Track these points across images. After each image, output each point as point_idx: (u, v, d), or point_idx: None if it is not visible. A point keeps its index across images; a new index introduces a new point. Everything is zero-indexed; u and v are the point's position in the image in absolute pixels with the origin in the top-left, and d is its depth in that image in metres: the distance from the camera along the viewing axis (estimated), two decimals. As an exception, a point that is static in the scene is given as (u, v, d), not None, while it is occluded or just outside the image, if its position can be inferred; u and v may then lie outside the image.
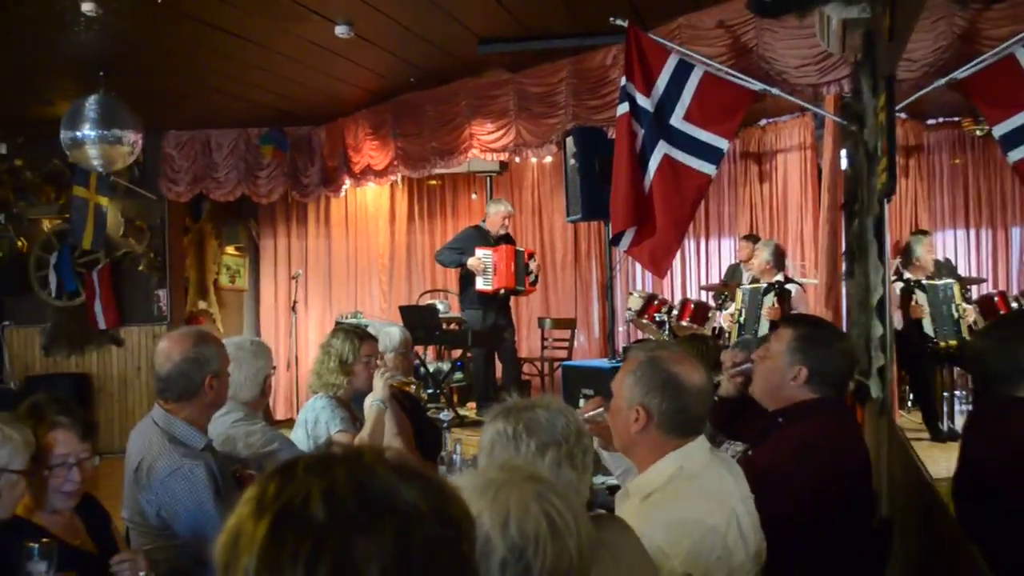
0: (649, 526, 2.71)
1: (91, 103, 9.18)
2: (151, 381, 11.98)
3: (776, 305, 8.67)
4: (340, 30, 8.12)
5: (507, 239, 10.52)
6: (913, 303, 8.43)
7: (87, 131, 9.15)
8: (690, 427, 2.97)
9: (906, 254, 8.89)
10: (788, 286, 8.86)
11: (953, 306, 8.42)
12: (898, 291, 8.32)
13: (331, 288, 13.63)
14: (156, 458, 3.81)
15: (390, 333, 5.85)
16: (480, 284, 10.16)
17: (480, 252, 10.17)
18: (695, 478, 2.87)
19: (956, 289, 8.47)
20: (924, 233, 9.46)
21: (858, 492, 3.66)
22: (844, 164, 6.91)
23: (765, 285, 8.88)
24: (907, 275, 8.67)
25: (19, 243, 12.42)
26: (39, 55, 8.91)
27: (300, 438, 5.08)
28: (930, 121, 12.00)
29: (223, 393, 4.14)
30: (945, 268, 9.38)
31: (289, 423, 7.72)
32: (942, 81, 6.10)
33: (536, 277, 10.68)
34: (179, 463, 3.79)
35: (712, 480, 2.91)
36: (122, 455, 12.55)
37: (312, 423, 5.11)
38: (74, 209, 11.62)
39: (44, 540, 2.98)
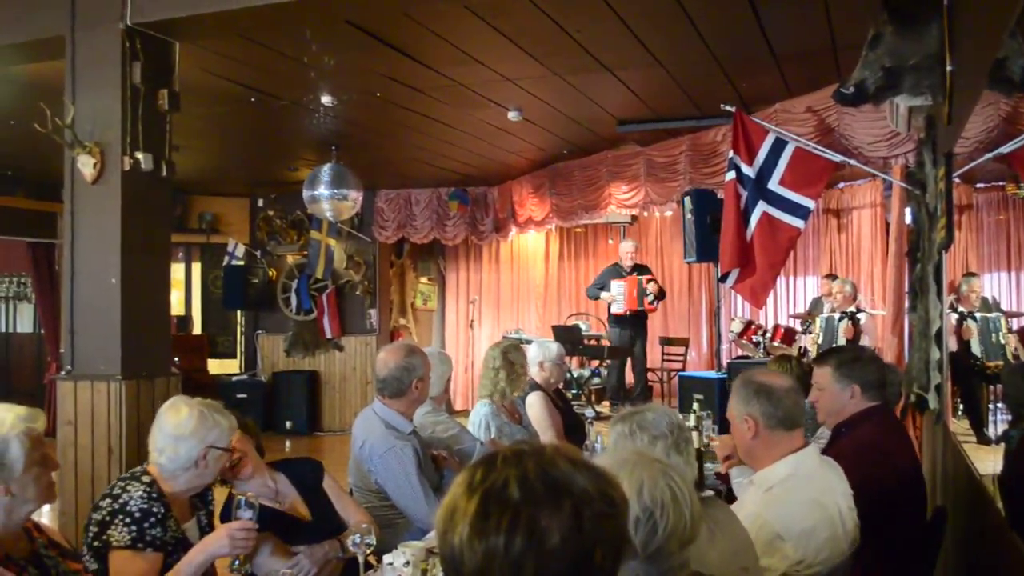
0: (769, 513, 2.71)
1: (326, 169, 9.45)
2: (363, 378, 12.39)
3: (849, 326, 8.53)
4: (512, 115, 8.21)
5: (638, 269, 10.67)
6: (964, 327, 8.21)
7: (322, 190, 9.42)
8: (789, 420, 2.92)
9: (958, 290, 8.66)
10: (859, 315, 8.67)
11: (1000, 335, 8.23)
12: (953, 320, 8.10)
13: (499, 310, 13.73)
14: (376, 440, 3.92)
15: (550, 347, 5.86)
16: (614, 308, 10.50)
17: (614, 284, 10.53)
18: (808, 479, 2.82)
19: (1003, 321, 8.26)
20: (973, 275, 9.17)
21: (908, 483, 3.53)
22: (908, 220, 6.69)
23: (840, 314, 8.69)
24: (960, 308, 8.43)
25: (270, 273, 12.82)
26: (288, 134, 9.24)
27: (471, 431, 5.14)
28: (979, 185, 11.51)
29: (425, 392, 4.22)
30: (992, 304, 9.07)
31: (465, 413, 7.83)
32: (990, 155, 5.90)
33: (654, 298, 10.68)
34: (393, 443, 3.89)
35: (821, 480, 2.86)
36: (341, 434, 12.79)
37: (478, 424, 5.16)
38: (311, 248, 12.02)
39: (247, 492, 3.10)
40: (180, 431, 3.06)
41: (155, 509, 2.99)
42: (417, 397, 4.13)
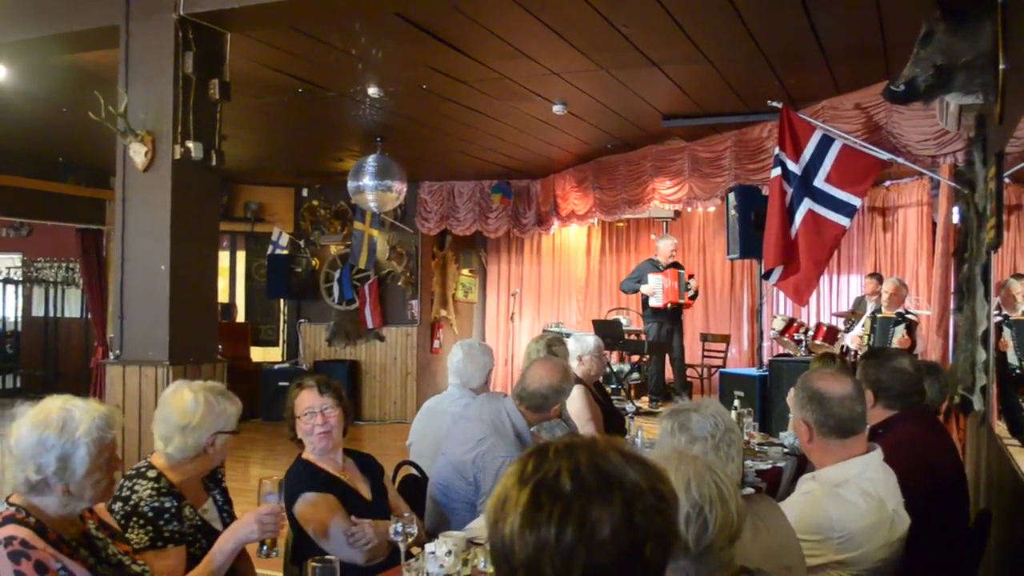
0: (832, 505, 2.72)
1: (370, 160, 9.52)
2: (403, 368, 12.45)
3: (906, 336, 8.35)
4: (556, 108, 8.21)
5: (675, 265, 10.63)
6: (1002, 339, 8.08)
7: (366, 181, 9.48)
8: (843, 428, 2.86)
9: (1001, 292, 8.54)
10: (909, 316, 8.55)
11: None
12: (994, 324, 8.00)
13: (540, 303, 13.75)
14: (503, 445, 3.79)
15: (587, 340, 5.86)
16: (653, 302, 10.41)
17: (652, 278, 10.48)
18: (872, 481, 2.80)
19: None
20: (1019, 277, 9.03)
21: (950, 486, 3.49)
22: (956, 219, 6.62)
23: (895, 316, 8.55)
24: (1005, 311, 8.29)
25: (314, 262, 12.91)
26: (334, 125, 9.32)
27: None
28: (1030, 184, 11.33)
29: (557, 415, 4.16)
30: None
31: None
32: (1043, 155, 5.81)
33: (695, 292, 10.79)
34: (514, 456, 3.68)
35: (884, 483, 2.84)
36: (381, 423, 12.79)
37: None
38: (354, 238, 12.10)
39: (273, 477, 3.05)
40: (187, 420, 3.02)
41: (167, 504, 2.97)
42: (549, 417, 4.09)
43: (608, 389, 8.07)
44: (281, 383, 12.04)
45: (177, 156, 5.26)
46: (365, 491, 3.61)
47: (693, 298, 10.79)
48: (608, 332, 10.13)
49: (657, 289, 10.41)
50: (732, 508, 1.84)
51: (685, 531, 1.76)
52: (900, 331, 8.43)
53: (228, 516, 3.26)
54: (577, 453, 1.30)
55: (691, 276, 10.75)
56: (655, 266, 10.67)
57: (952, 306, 6.76)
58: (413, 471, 4.53)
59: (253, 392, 11.73)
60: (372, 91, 7.69)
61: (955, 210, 6.69)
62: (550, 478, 1.27)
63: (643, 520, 1.26)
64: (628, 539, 1.24)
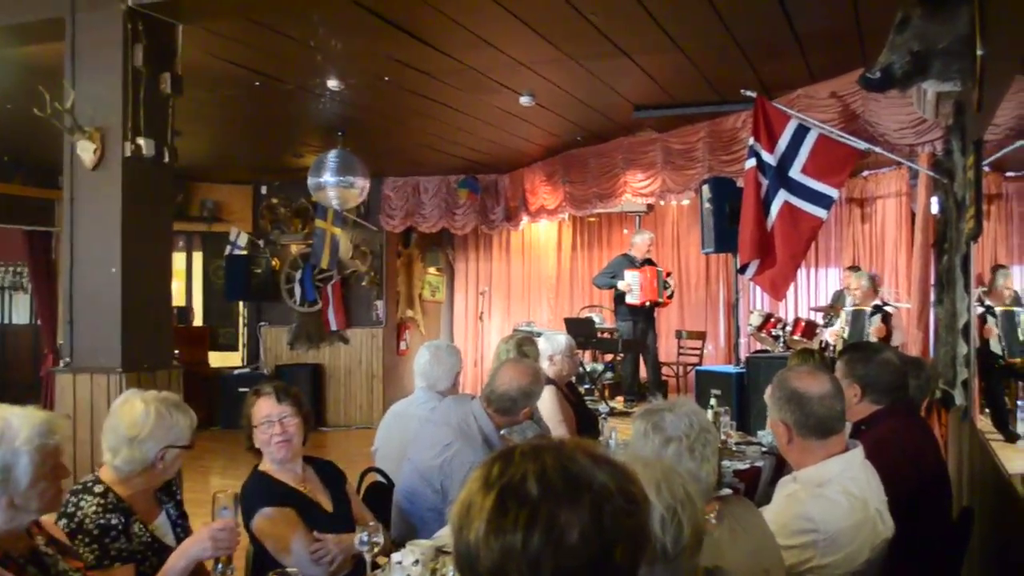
0: (814, 505, 2.73)
1: (332, 156, 9.45)
2: (368, 371, 12.39)
3: (881, 324, 8.46)
4: (524, 100, 8.20)
5: (649, 262, 10.63)
6: (986, 326, 8.20)
7: (328, 177, 9.42)
8: (823, 428, 2.87)
9: (991, 284, 8.65)
10: (887, 308, 8.63)
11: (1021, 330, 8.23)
12: (976, 316, 8.09)
13: (510, 302, 13.77)
14: (470, 451, 3.77)
15: (558, 339, 5.85)
16: (629, 299, 10.38)
17: (629, 274, 10.37)
18: (855, 480, 2.81)
19: (1025, 317, 8.26)
20: (1004, 267, 9.16)
21: (932, 482, 3.52)
22: (935, 209, 6.68)
23: (869, 309, 8.64)
24: (988, 302, 8.40)
25: (274, 263, 12.83)
26: (294, 119, 9.26)
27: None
28: (1009, 173, 11.44)
29: (528, 417, 4.14)
30: (1019, 298, 9.04)
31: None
32: (1022, 142, 5.86)
33: (672, 292, 10.79)
34: (480, 460, 3.71)
35: (866, 482, 2.85)
36: (346, 429, 12.71)
37: None
38: (315, 237, 12.03)
39: (228, 491, 2.96)
40: (135, 432, 2.97)
41: (114, 521, 2.92)
42: (518, 421, 4.06)
43: (581, 389, 8.10)
44: (241, 389, 11.94)
45: (127, 153, 5.20)
46: (326, 502, 3.57)
47: (670, 297, 10.83)
48: (581, 331, 10.14)
49: (635, 286, 10.39)
50: (699, 506, 1.85)
51: (662, 535, 1.76)
52: (875, 320, 8.52)
53: (182, 531, 3.20)
54: (543, 456, 1.30)
55: (669, 274, 10.77)
56: (631, 262, 10.64)
57: (932, 299, 6.83)
58: (379, 478, 4.51)
59: (212, 399, 11.65)
60: (332, 84, 7.64)
61: (934, 200, 6.75)
62: (516, 482, 1.27)
63: (612, 523, 1.25)
64: (597, 543, 1.24)
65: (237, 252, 12.60)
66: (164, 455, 3.02)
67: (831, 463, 2.87)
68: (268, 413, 3.46)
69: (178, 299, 12.80)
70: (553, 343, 5.79)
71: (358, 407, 12.52)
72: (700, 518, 1.84)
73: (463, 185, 12.34)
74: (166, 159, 5.43)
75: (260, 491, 3.44)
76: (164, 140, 5.44)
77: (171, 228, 5.83)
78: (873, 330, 8.50)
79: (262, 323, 13.03)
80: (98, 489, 2.98)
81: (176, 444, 3.05)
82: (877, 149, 6.82)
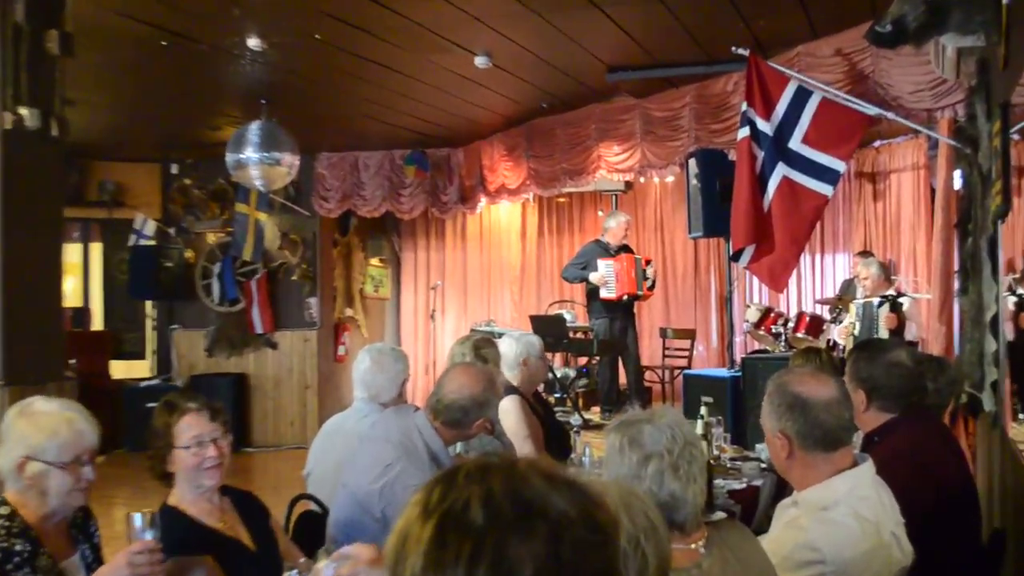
0: (820, 532, 2.73)
1: (254, 128, 9.42)
2: (301, 381, 12.31)
3: (891, 313, 8.47)
4: (479, 61, 8.20)
5: (626, 248, 10.58)
6: (1021, 315, 8.25)
7: (250, 154, 9.39)
8: (830, 439, 2.87)
9: (1023, 270, 8.74)
10: (900, 299, 8.67)
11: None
12: (1011, 305, 8.15)
13: (466, 298, 13.77)
14: (416, 470, 3.72)
15: (532, 341, 5.84)
16: (604, 293, 10.32)
17: (602, 264, 10.32)
18: (865, 500, 2.80)
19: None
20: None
21: (957, 501, 3.53)
22: (957, 184, 6.74)
23: (879, 299, 8.68)
24: (1020, 291, 8.46)
25: (187, 254, 12.73)
26: (208, 85, 9.20)
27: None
28: (1042, 142, 11.59)
29: (483, 430, 4.08)
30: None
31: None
32: (1056, 106, 5.91)
33: (653, 282, 10.78)
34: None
35: (878, 502, 2.84)
36: (275, 450, 12.64)
37: None
38: (236, 224, 11.96)
39: (145, 510, 2.96)
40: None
41: (18, 547, 2.94)
42: (471, 435, 4.04)
43: (551, 399, 8.08)
44: (149, 404, 11.74)
45: (7, 125, 5.12)
46: (247, 539, 3.53)
47: (651, 288, 10.80)
48: (549, 330, 10.11)
49: (609, 278, 10.34)
50: (663, 536, 1.85)
51: (625, 570, 1.74)
52: (885, 309, 8.54)
53: None
54: (491, 477, 1.27)
55: (648, 262, 10.71)
56: (604, 249, 10.57)
57: (956, 288, 6.89)
58: (312, 506, 4.48)
59: (115, 416, 11.49)
60: (253, 43, 7.58)
61: (956, 174, 6.80)
62: (458, 509, 1.24)
63: (574, 556, 1.22)
64: None
65: (143, 242, 12.48)
66: (25, 466, 3.01)
67: (836, 482, 2.86)
68: (199, 433, 3.40)
69: (73, 299, 12.68)
70: (527, 345, 5.76)
71: (288, 423, 12.45)
72: (666, 548, 1.85)
73: (410, 161, 12.27)
74: (54, 132, 5.36)
75: (173, 534, 3.37)
76: (51, 110, 5.36)
77: (62, 214, 5.76)
78: (883, 320, 8.51)
79: (174, 326, 12.91)
80: (3, 511, 3.00)
81: (40, 457, 3.02)
82: (890, 115, 6.85)
